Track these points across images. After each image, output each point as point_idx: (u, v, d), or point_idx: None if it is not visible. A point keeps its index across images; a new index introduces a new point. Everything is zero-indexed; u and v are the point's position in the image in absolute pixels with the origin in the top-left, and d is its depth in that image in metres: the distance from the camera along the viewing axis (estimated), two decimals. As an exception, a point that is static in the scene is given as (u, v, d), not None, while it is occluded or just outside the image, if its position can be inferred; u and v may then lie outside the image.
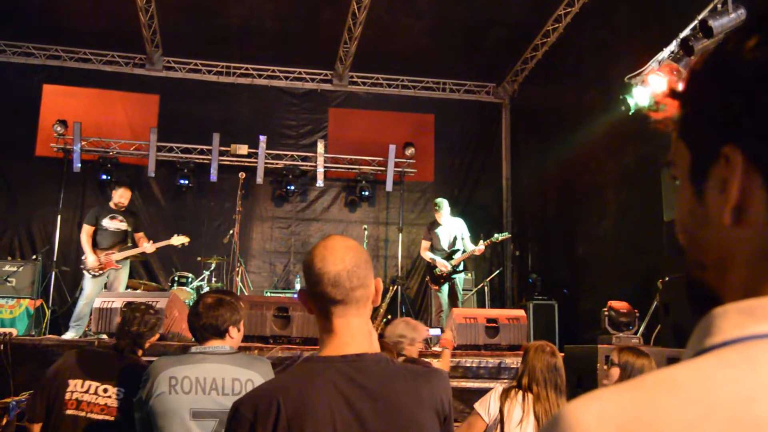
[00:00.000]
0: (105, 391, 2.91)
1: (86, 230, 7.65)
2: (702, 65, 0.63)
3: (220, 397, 2.49)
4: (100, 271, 7.53)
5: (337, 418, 1.41)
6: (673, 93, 0.65)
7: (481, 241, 7.72)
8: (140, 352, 3.21)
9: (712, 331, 0.56)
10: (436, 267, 7.86)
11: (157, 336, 3.36)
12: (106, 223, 7.65)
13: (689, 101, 0.64)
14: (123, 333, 3.16)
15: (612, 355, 3.35)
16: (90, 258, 7.53)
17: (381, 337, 3.86)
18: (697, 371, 0.52)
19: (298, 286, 9.84)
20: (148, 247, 7.72)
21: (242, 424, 1.41)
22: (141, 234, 7.86)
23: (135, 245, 7.74)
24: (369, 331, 1.58)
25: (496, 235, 7.89)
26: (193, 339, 2.80)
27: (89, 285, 7.49)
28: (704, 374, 0.52)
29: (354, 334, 1.54)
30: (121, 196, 7.76)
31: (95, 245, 7.62)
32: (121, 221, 7.70)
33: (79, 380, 2.89)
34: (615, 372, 3.22)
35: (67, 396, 2.86)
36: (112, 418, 2.88)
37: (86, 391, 2.88)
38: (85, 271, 7.59)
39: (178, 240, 8.06)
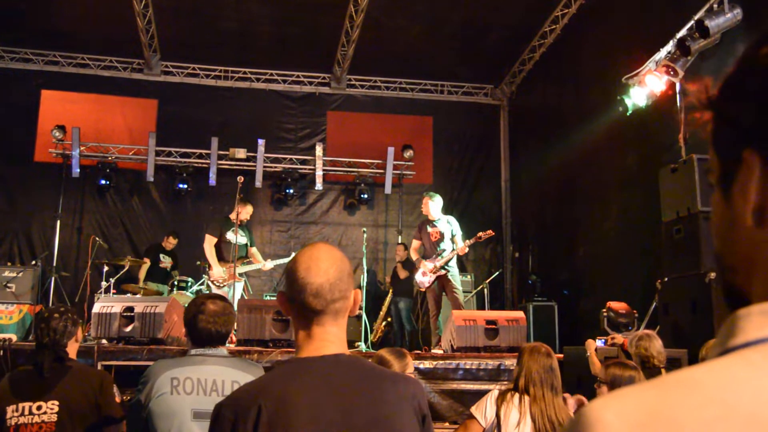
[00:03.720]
0: (39, 408, 2.87)
1: (211, 241, 7.81)
2: (727, 76, 0.66)
3: (220, 398, 2.49)
4: (225, 283, 7.68)
5: (320, 417, 1.43)
6: (705, 103, 0.67)
7: (466, 240, 7.42)
8: (71, 354, 3.12)
9: (735, 332, 0.57)
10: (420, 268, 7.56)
11: (78, 333, 3.21)
12: (230, 236, 7.78)
13: (716, 110, 0.66)
14: (39, 347, 3.06)
15: (599, 374, 3.42)
16: (216, 270, 7.72)
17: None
18: (718, 371, 0.53)
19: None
20: (268, 264, 7.95)
21: (223, 426, 1.44)
22: (254, 249, 8.04)
23: (249, 258, 7.99)
24: (344, 337, 1.63)
25: (479, 234, 7.46)
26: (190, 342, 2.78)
27: None
28: (725, 374, 0.53)
29: (332, 339, 1.58)
30: (248, 212, 7.93)
31: (219, 257, 7.80)
32: (242, 236, 7.84)
33: (13, 405, 2.86)
34: (605, 390, 3.27)
35: (7, 423, 2.83)
36: None
37: (21, 414, 2.85)
38: (209, 282, 7.79)
39: (267, 264, 8.14)
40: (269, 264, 8.03)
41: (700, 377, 0.53)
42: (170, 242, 9.84)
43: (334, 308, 1.57)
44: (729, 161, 0.64)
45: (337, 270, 1.59)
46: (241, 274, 7.85)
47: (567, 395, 3.60)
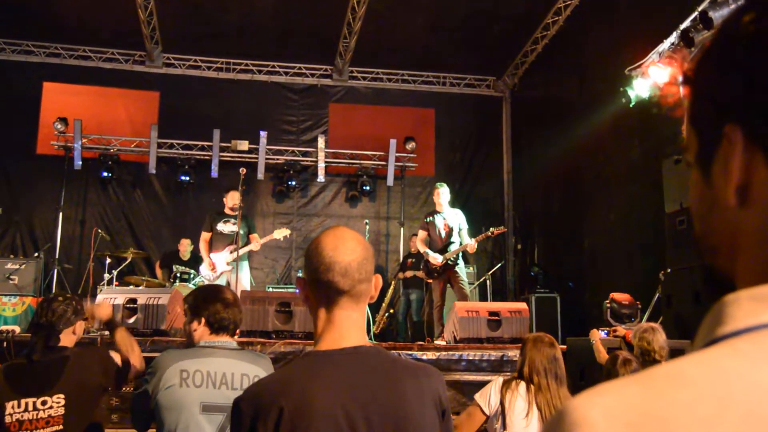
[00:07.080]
0: (44, 403, 2.78)
1: (203, 237, 8.01)
2: (705, 47, 0.63)
3: (230, 391, 2.50)
4: (215, 274, 7.85)
5: (340, 413, 1.40)
6: (682, 78, 0.64)
7: (476, 236, 7.39)
8: (67, 341, 2.99)
9: (724, 320, 0.53)
10: (428, 260, 7.50)
11: (78, 326, 3.06)
12: (221, 227, 7.92)
13: (694, 84, 0.63)
14: (34, 327, 2.97)
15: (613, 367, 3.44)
16: (203, 267, 7.99)
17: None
18: (709, 363, 0.49)
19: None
20: (254, 245, 7.96)
21: (242, 422, 1.41)
22: (255, 235, 8.06)
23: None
24: (363, 325, 1.60)
25: (491, 229, 7.48)
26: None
27: None
28: (716, 366, 0.49)
29: (351, 327, 1.54)
30: (232, 198, 7.91)
31: (213, 249, 7.96)
32: (234, 224, 7.84)
33: (14, 401, 2.75)
34: None
35: (8, 420, 2.71)
36: (60, 427, 2.78)
37: (25, 410, 2.75)
38: (204, 279, 7.99)
39: (281, 233, 8.15)
40: (256, 245, 7.96)
41: (690, 371, 0.49)
42: (184, 246, 9.32)
43: (359, 289, 1.54)
44: (708, 137, 0.60)
45: (364, 250, 1.56)
46: (230, 262, 7.83)
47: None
